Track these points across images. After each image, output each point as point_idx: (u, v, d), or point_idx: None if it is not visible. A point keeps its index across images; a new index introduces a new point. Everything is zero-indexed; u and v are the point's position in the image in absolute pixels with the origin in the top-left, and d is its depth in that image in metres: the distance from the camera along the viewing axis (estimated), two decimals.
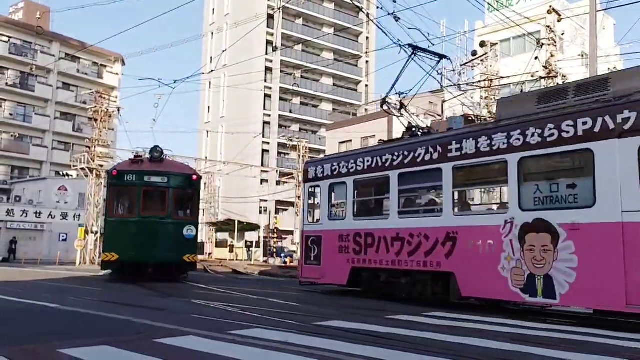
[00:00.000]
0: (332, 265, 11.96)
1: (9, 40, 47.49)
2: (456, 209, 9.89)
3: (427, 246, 9.98)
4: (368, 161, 11.46)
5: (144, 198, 16.14)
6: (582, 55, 20.79)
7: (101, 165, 31.10)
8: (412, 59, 12.04)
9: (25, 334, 6.14)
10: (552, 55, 17.06)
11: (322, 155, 54.46)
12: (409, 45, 12.22)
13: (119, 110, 33.46)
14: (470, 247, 9.22)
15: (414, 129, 11.59)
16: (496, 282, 8.71)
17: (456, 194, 10.08)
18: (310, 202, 13.13)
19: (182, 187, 16.75)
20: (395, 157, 10.90)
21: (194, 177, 17.17)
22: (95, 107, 31.55)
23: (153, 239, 15.96)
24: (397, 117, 12.27)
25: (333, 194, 12.41)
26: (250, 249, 45.40)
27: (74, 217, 39.60)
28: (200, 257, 44.01)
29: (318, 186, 12.77)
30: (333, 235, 12.00)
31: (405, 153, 10.67)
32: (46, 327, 6.78)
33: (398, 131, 37.84)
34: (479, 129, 9.83)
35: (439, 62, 12.79)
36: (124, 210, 16.96)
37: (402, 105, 12.24)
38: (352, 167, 11.78)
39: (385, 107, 12.54)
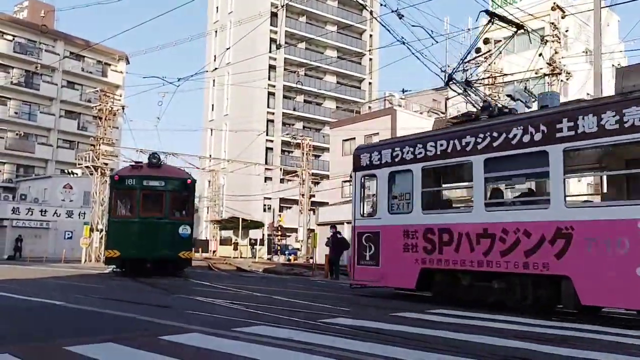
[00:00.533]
0: (395, 266, 10.40)
1: (13, 39, 47.65)
2: (568, 200, 8.31)
3: (528, 244, 8.42)
4: (442, 145, 9.82)
5: (143, 200, 17.63)
6: (586, 52, 20.76)
7: (106, 164, 31.21)
8: (490, 26, 11.02)
9: (31, 332, 6.18)
10: (556, 52, 17.00)
11: (325, 154, 54.58)
12: (485, 11, 11.26)
13: (123, 108, 33.56)
14: (593, 245, 7.72)
15: (491, 108, 10.07)
16: (636, 289, 7.30)
17: (568, 181, 8.48)
18: (359, 193, 11.48)
19: (178, 190, 18.33)
20: (479, 140, 9.23)
21: (189, 181, 18.67)
22: (100, 105, 31.64)
23: (151, 238, 17.25)
24: (465, 96, 11.03)
25: (394, 184, 10.83)
26: (255, 246, 45.49)
27: (79, 215, 39.83)
28: (204, 254, 44.41)
29: (373, 175, 11.20)
30: (395, 231, 10.40)
31: (495, 134, 9.01)
32: (52, 325, 6.82)
33: (402, 128, 37.85)
34: (602, 102, 8.28)
35: (516, 32, 11.66)
36: (125, 211, 18.43)
37: (468, 83, 11.07)
38: (420, 153, 10.14)
39: (451, 85, 11.27)
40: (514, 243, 8.60)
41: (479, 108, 10.45)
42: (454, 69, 11.29)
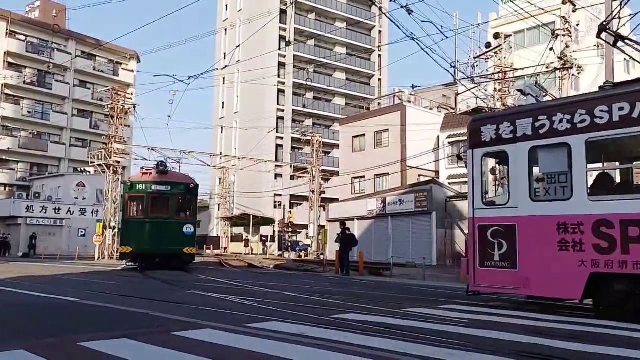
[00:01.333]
0: (545, 270, 7.98)
1: (26, 39, 48.08)
2: None
3: None
4: (622, 109, 7.39)
5: (152, 203, 20.15)
6: (598, 46, 20.58)
7: (118, 162, 31.45)
8: None
9: (46, 328, 6.27)
10: (567, 46, 16.82)
11: (335, 151, 54.62)
12: None
13: (134, 107, 33.81)
14: None
15: None
16: None
17: None
18: (479, 176, 9.12)
19: (182, 194, 20.73)
20: None
21: (192, 185, 21.10)
22: (112, 104, 31.89)
23: (159, 235, 19.64)
24: (620, 50, 9.28)
25: (537, 163, 8.59)
26: (266, 243, 45.69)
27: (92, 212, 40.23)
28: (216, 251, 44.67)
29: (502, 152, 8.84)
30: (544, 223, 8.06)
31: None
32: (66, 321, 6.92)
33: (412, 124, 37.71)
34: None
35: None
36: (136, 212, 20.74)
37: (619, 37, 9.48)
38: (584, 120, 7.76)
39: (603, 36, 9.45)
40: None
41: None
42: (606, 20, 9.50)
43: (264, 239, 47.73)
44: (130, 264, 20.97)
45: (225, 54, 57.74)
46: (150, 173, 21.09)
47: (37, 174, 48.30)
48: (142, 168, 21.98)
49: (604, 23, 9.34)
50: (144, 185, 20.43)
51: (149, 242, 19.76)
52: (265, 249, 45.58)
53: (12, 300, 9.41)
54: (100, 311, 7.88)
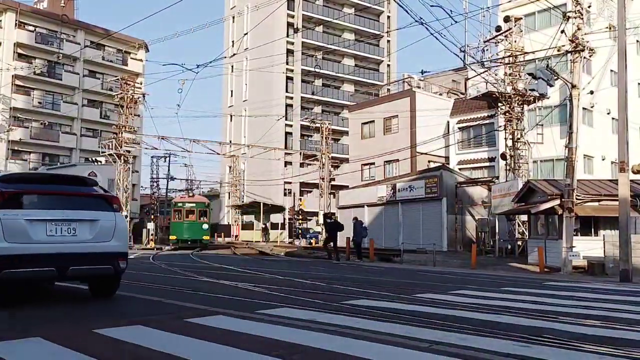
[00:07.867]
0: None
1: (35, 30, 48.19)
2: None
3: None
4: None
5: (186, 213, 35.44)
6: (610, 28, 20.24)
7: (128, 151, 31.66)
8: None
9: (61, 315, 6.36)
10: (578, 29, 16.55)
11: (344, 138, 54.44)
12: None
13: (144, 96, 33.92)
14: None
15: None
16: None
17: None
18: None
19: (202, 207, 36.02)
20: None
21: (207, 202, 37.69)
22: (121, 93, 32.03)
23: (189, 230, 34.82)
24: None
25: None
26: (268, 231, 45.74)
27: None
28: (227, 239, 45.01)
29: None
30: None
31: None
32: (80, 309, 7.01)
33: (421, 109, 37.50)
34: None
35: None
36: (178, 218, 35.78)
37: None
38: None
39: None
40: None
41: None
42: None
43: (266, 226, 47.77)
44: (176, 245, 34.38)
45: (233, 42, 57.52)
46: (185, 196, 39.94)
47: (49, 164, 48.65)
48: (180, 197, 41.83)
49: None
50: (181, 204, 36.56)
51: (185, 233, 34.63)
52: (268, 236, 45.27)
53: (27, 289, 9.54)
54: (114, 298, 7.97)
